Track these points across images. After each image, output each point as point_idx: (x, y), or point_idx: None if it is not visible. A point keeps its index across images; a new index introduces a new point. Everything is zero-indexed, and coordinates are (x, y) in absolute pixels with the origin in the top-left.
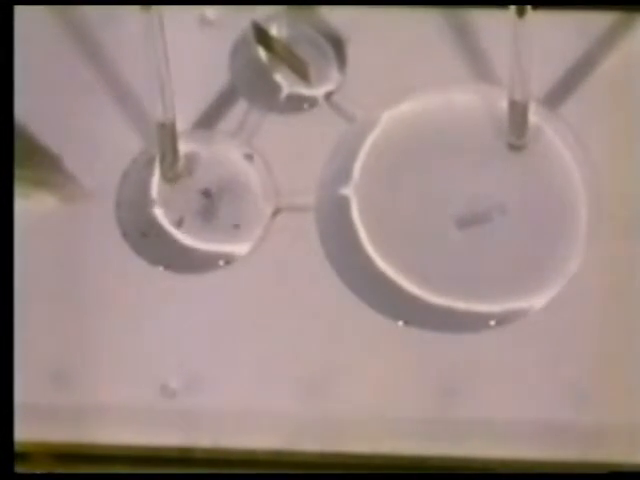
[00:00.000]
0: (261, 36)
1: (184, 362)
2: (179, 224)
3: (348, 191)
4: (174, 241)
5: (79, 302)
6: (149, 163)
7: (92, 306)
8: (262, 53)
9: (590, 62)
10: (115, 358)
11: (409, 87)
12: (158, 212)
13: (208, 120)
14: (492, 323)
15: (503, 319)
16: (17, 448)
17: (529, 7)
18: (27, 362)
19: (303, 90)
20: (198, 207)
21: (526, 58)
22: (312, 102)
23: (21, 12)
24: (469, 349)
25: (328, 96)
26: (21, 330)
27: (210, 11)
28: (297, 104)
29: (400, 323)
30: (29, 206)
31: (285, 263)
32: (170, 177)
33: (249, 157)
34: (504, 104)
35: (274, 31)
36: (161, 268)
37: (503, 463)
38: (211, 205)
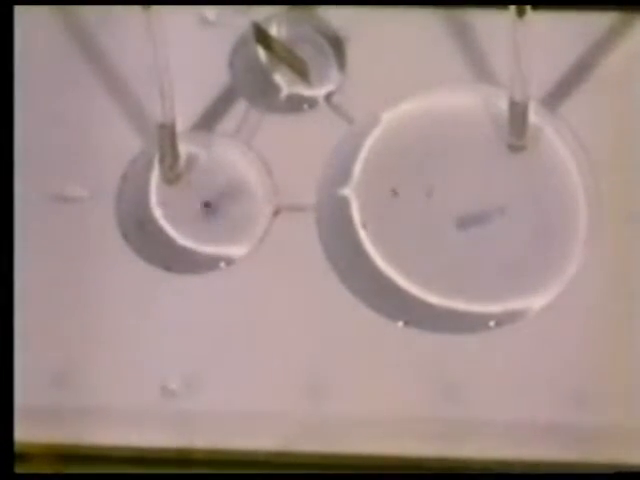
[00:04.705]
0: (261, 36)
1: (184, 363)
2: (180, 224)
3: (348, 191)
4: (174, 241)
5: (79, 302)
6: (149, 163)
7: (92, 306)
8: (262, 53)
9: (590, 62)
10: (115, 359)
11: (409, 87)
12: (158, 212)
13: (208, 120)
14: (492, 323)
15: (503, 319)
16: (17, 449)
17: (529, 7)
18: (27, 363)
19: (303, 90)
20: (198, 207)
21: (526, 58)
22: (312, 102)
23: (21, 12)
24: (469, 349)
25: (328, 96)
26: (21, 330)
27: (210, 11)
28: (297, 104)
29: (400, 323)
30: (29, 206)
31: (285, 263)
32: (170, 177)
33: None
34: (504, 104)
35: (274, 31)
36: (161, 268)
37: (503, 463)
38: (211, 205)
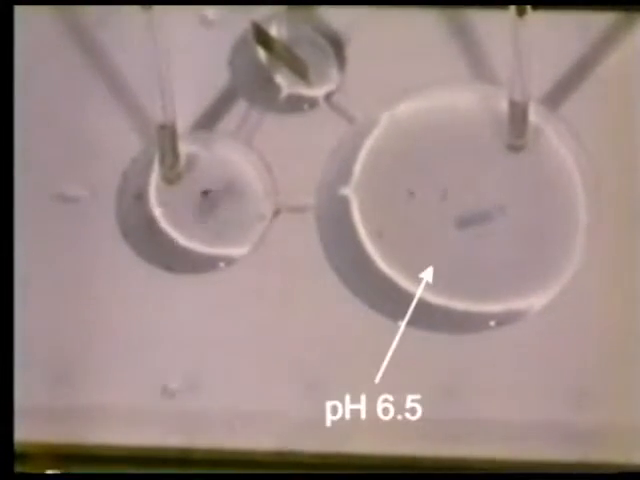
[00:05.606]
0: (261, 36)
1: (184, 362)
2: (180, 224)
3: (348, 191)
4: (174, 241)
5: (79, 302)
6: (149, 163)
7: (92, 306)
8: (262, 53)
9: (590, 62)
10: (115, 359)
11: (409, 87)
12: (158, 212)
13: (208, 120)
14: (492, 323)
15: (503, 319)
16: (17, 448)
17: (529, 7)
18: (27, 362)
19: (303, 90)
20: (198, 207)
21: (526, 58)
22: (312, 102)
23: (21, 12)
24: (469, 349)
25: (328, 96)
26: (21, 330)
27: (210, 11)
28: (297, 104)
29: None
30: (29, 206)
31: (285, 263)
32: (170, 177)
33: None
34: (504, 104)
35: (274, 31)
36: (161, 268)
37: (503, 463)
38: (211, 205)
